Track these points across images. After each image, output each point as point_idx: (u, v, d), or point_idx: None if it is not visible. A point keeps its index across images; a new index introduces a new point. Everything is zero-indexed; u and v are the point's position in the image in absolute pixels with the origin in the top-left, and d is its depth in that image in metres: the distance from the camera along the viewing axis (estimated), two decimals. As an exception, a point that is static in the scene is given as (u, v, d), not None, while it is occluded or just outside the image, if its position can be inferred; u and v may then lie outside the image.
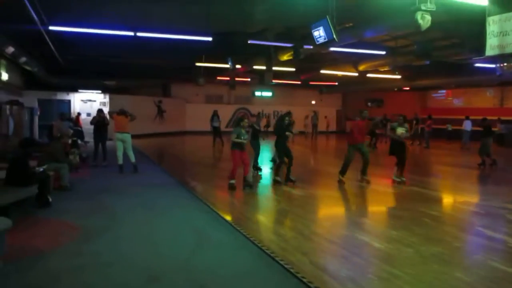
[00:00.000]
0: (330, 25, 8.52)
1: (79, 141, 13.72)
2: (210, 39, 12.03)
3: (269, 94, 31.57)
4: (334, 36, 8.60)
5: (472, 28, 9.90)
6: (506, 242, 5.82)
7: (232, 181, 8.92)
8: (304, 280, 4.18)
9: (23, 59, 14.38)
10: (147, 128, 23.67)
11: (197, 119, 27.26)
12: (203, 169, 12.79)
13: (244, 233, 5.75)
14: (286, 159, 9.75)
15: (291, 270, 4.42)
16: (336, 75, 22.00)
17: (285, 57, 15.07)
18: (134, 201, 7.77)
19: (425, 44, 13.81)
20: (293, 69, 20.16)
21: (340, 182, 9.92)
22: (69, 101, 21.88)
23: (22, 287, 4.10)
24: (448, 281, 4.34)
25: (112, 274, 4.42)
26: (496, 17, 6.61)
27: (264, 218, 7.30)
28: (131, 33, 11.38)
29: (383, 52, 16.13)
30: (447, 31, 12.52)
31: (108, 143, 12.55)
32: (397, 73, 22.28)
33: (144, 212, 6.99)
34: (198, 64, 18.86)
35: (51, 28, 10.70)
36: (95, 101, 22.12)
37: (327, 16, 8.54)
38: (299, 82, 26.91)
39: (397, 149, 10.05)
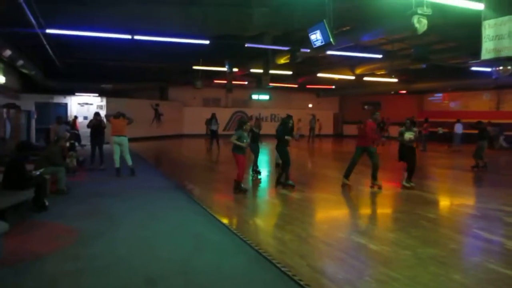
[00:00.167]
0: (327, 28, 8.55)
1: (76, 144, 13.71)
2: (207, 42, 12.06)
3: (266, 97, 31.62)
4: (331, 40, 8.62)
5: (468, 32, 9.96)
6: (503, 244, 5.83)
7: (242, 185, 8.96)
8: (302, 283, 4.18)
9: (20, 62, 14.38)
10: (144, 131, 23.66)
11: (194, 122, 27.28)
12: (200, 172, 12.79)
13: (241, 236, 5.75)
14: (280, 163, 9.77)
15: (289, 273, 4.43)
16: (333, 78, 22.06)
17: (282, 61, 15.11)
18: (131, 205, 7.76)
19: (421, 48, 13.89)
20: (290, 73, 20.23)
21: (344, 186, 9.78)
22: (66, 104, 21.84)
23: (19, 291, 4.09)
24: (445, 283, 4.35)
25: (109, 278, 4.41)
26: (491, 21, 6.63)
27: (262, 221, 7.30)
28: (129, 36, 11.40)
29: (380, 56, 16.20)
30: (444, 35, 12.62)
31: (105, 146, 12.53)
32: (393, 76, 22.38)
33: (141, 216, 6.98)
34: (195, 67, 18.90)
35: (48, 31, 10.72)
36: (92, 104, 22.09)
37: (324, 20, 8.56)
38: (296, 86, 26.97)
39: (407, 154, 9.82)
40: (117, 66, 20.09)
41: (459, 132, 20.28)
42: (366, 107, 32.20)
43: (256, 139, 10.95)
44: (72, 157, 11.54)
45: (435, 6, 7.70)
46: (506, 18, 6.42)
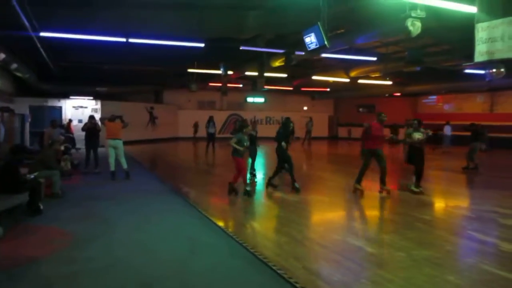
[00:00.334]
0: (322, 31, 8.58)
1: (69, 147, 13.65)
2: (202, 45, 12.07)
3: (261, 100, 31.65)
4: (326, 42, 8.66)
5: (461, 35, 10.04)
6: (497, 246, 5.86)
7: (248, 188, 8.94)
8: (297, 285, 4.19)
9: (14, 65, 14.32)
10: (139, 134, 23.62)
11: (189, 125, 27.22)
12: (195, 175, 12.77)
13: (237, 238, 5.75)
14: (279, 166, 9.75)
15: (284, 275, 4.43)
16: (328, 81, 22.13)
17: (277, 63, 15.15)
18: (126, 208, 7.74)
19: (415, 51, 13.96)
20: (285, 75, 20.27)
21: (356, 192, 9.39)
22: (61, 107, 21.76)
23: (14, 295, 4.07)
24: (440, 284, 4.37)
25: (105, 281, 4.40)
26: (484, 24, 6.68)
27: (257, 223, 7.30)
28: (123, 39, 11.38)
29: (374, 59, 16.28)
30: (437, 37, 12.72)
31: (100, 149, 12.49)
32: (388, 79, 22.47)
33: (136, 219, 6.96)
34: (190, 70, 18.90)
35: (42, 34, 10.68)
36: (86, 107, 22.02)
37: (319, 23, 8.60)
38: (291, 88, 27.04)
39: (415, 157, 9.41)
40: (112, 69, 20.06)
41: (448, 134, 20.58)
42: (360, 109, 32.34)
43: (253, 141, 10.95)
44: (66, 160, 11.50)
45: (428, 9, 7.76)
46: (499, 21, 6.47)
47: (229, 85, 24.19)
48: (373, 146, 9.27)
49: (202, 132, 25.81)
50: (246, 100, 31.29)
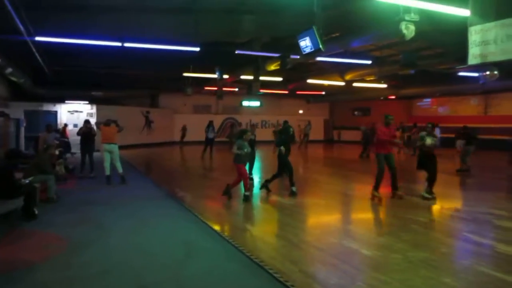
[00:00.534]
0: (317, 35, 8.61)
1: (63, 151, 13.57)
2: (197, 49, 12.07)
3: (257, 103, 31.67)
4: (321, 46, 8.69)
5: (455, 38, 10.09)
6: (493, 247, 5.89)
7: (247, 193, 8.89)
8: (294, 288, 4.20)
9: (9, 70, 14.26)
10: (135, 138, 23.57)
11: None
12: (191, 180, 12.74)
13: (232, 242, 5.75)
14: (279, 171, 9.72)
15: (280, 278, 4.43)
16: (323, 84, 22.18)
17: (272, 67, 15.16)
18: (122, 212, 7.72)
19: (410, 54, 14.03)
20: (281, 79, 20.30)
21: (374, 199, 8.96)
22: (56, 112, 21.69)
23: (9, 300, 4.05)
24: (436, 287, 4.39)
25: (101, 285, 4.39)
26: (477, 27, 6.74)
27: (253, 227, 7.30)
28: (119, 44, 11.37)
29: (369, 62, 16.33)
30: (431, 40, 12.77)
31: (95, 154, 12.46)
32: (383, 82, 22.56)
33: (132, 223, 6.94)
34: (185, 74, 18.88)
35: (37, 38, 10.66)
36: (82, 112, 21.95)
37: (314, 26, 8.64)
38: (286, 92, 27.07)
39: (428, 162, 9.06)
40: (108, 74, 20.01)
41: (437, 136, 20.66)
42: (356, 112, 32.45)
43: (252, 145, 10.92)
44: (61, 164, 11.46)
45: (422, 13, 7.82)
46: (491, 24, 6.53)
47: (224, 89, 24.17)
48: (384, 150, 9.03)
49: (190, 137, 25.94)
50: (241, 104, 31.30)
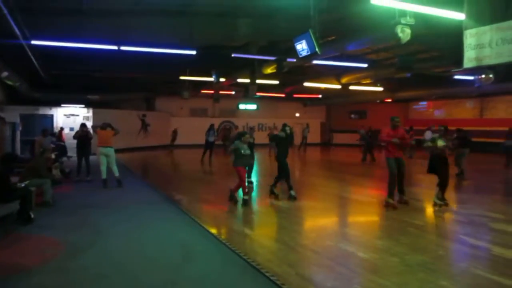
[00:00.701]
0: (313, 38, 8.65)
1: (58, 154, 13.52)
2: (194, 52, 12.08)
3: (253, 107, 31.68)
4: (317, 49, 8.72)
5: (450, 41, 10.15)
6: (489, 250, 5.91)
7: (246, 197, 8.81)
8: (291, 291, 4.19)
9: (5, 73, 14.21)
10: (131, 142, 23.51)
11: (182, 133, 27.18)
12: (188, 183, 12.72)
13: (229, 245, 5.74)
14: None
15: (277, 281, 4.43)
16: (320, 87, 22.23)
17: (269, 70, 15.19)
18: (118, 216, 7.69)
19: (406, 57, 14.09)
20: (277, 82, 20.32)
21: (389, 206, 8.52)
22: (52, 115, 21.60)
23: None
24: (433, 290, 4.39)
25: (96, 290, 4.37)
26: (473, 31, 6.79)
27: (250, 230, 7.28)
28: (115, 47, 11.36)
29: (365, 65, 16.39)
30: (427, 44, 12.82)
31: (92, 157, 12.42)
32: (379, 85, 22.63)
33: (129, 227, 6.92)
34: (182, 77, 18.88)
35: (33, 42, 10.63)
36: (78, 115, 21.88)
37: (310, 30, 8.67)
38: (283, 95, 27.11)
39: (439, 165, 8.59)
40: (104, 77, 19.99)
41: (428, 138, 20.72)
42: (352, 115, 32.52)
43: (251, 149, 10.86)
44: (57, 168, 11.42)
45: (418, 16, 7.85)
46: (486, 27, 6.58)
47: (221, 92, 24.22)
48: (395, 154, 8.64)
49: (187, 140, 25.86)
50: (238, 107, 31.30)
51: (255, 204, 9.26)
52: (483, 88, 17.42)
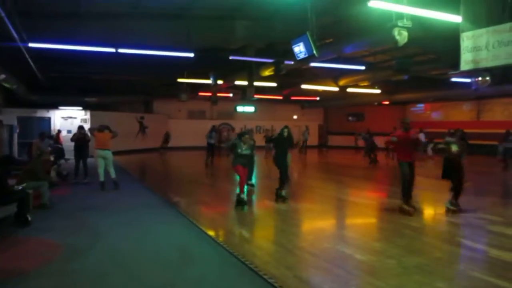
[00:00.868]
0: (310, 41, 8.67)
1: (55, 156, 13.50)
2: (192, 55, 12.10)
3: (251, 109, 31.71)
4: (314, 52, 8.75)
5: (447, 44, 10.19)
6: (486, 252, 5.92)
7: (242, 196, 8.74)
8: (288, 293, 4.19)
9: (2, 76, 14.19)
10: (129, 144, 23.47)
11: (179, 135, 27.16)
12: (186, 185, 12.71)
13: (227, 248, 5.74)
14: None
15: (275, 284, 4.43)
16: (317, 90, 22.26)
17: (266, 73, 15.20)
18: (116, 219, 7.68)
19: (403, 60, 14.13)
20: (275, 84, 20.34)
21: (404, 212, 8.12)
22: (50, 118, 21.56)
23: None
24: (430, 292, 4.40)
25: (94, 293, 4.37)
26: (469, 33, 6.83)
27: (247, 232, 7.29)
28: (113, 50, 11.37)
29: (363, 67, 16.42)
30: (424, 46, 12.88)
31: (89, 160, 12.41)
32: (376, 87, 22.69)
33: (126, 229, 6.91)
34: (180, 80, 18.88)
35: (31, 45, 10.62)
36: (75, 118, 21.84)
37: (307, 32, 8.70)
38: (281, 97, 27.13)
39: (453, 170, 8.28)
40: (101, 79, 19.99)
41: (422, 140, 20.87)
42: (350, 118, 32.56)
43: (252, 151, 10.80)
44: (54, 170, 11.40)
45: (415, 19, 7.89)
46: (483, 30, 6.62)
47: (219, 94, 24.21)
48: (407, 158, 8.27)
49: (184, 142, 25.72)
50: (236, 110, 31.32)
51: (253, 207, 9.26)
52: (480, 91, 17.50)
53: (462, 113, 26.18)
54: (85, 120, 21.43)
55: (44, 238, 6.33)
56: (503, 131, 18.04)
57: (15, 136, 19.10)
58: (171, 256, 5.56)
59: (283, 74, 14.38)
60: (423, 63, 15.30)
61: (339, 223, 8.29)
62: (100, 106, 23.16)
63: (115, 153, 11.57)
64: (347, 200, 10.24)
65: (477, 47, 6.71)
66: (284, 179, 9.43)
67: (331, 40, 11.80)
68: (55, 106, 21.69)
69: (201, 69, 17.02)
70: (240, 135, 9.12)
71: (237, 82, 18.37)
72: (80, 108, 22.38)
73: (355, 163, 19.72)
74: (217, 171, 16.34)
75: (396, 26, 7.85)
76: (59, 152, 14.42)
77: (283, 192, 9.42)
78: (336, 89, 20.92)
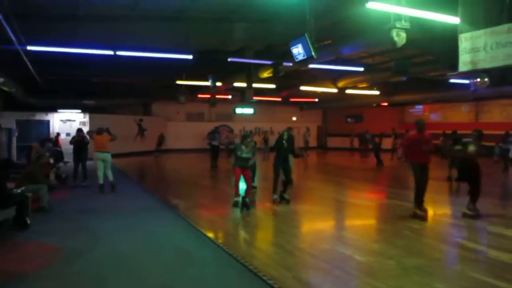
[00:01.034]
0: (309, 42, 8.69)
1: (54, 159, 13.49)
2: (190, 57, 12.10)
3: (250, 111, 31.71)
4: (313, 53, 8.76)
5: (445, 45, 10.20)
6: (485, 253, 5.92)
7: (236, 198, 8.70)
8: (288, 295, 4.19)
9: (1, 79, 14.20)
10: (128, 147, 23.45)
11: (178, 137, 27.14)
12: (185, 188, 12.70)
13: (226, 249, 5.74)
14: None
15: (274, 285, 4.43)
16: (316, 91, 22.29)
17: (265, 74, 15.23)
18: (115, 221, 7.67)
19: (401, 61, 14.16)
20: (274, 86, 20.36)
21: (417, 217, 7.80)
22: (48, 121, 21.55)
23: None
24: (429, 292, 4.40)
25: (93, 295, 4.36)
26: (467, 35, 6.84)
27: (247, 234, 7.29)
28: (111, 52, 11.37)
29: (361, 69, 16.45)
30: (422, 48, 12.89)
31: (88, 163, 12.39)
32: (375, 89, 22.72)
33: (125, 232, 6.90)
34: (178, 82, 18.89)
35: (29, 48, 10.61)
36: (74, 120, 21.83)
37: (306, 34, 8.71)
38: (279, 99, 27.14)
39: (471, 172, 7.91)
40: (100, 82, 19.99)
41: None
42: (349, 119, 32.59)
43: (253, 153, 10.76)
44: (53, 173, 11.39)
45: (413, 20, 7.90)
46: (481, 31, 6.63)
47: (217, 96, 24.22)
48: (421, 159, 7.89)
49: (183, 144, 25.58)
50: (235, 111, 31.32)
51: (252, 208, 9.25)
52: (479, 92, 17.52)
53: (460, 114, 26.21)
54: (84, 123, 21.43)
55: (44, 241, 6.32)
56: (501, 132, 18.08)
57: (14, 139, 19.08)
58: (171, 258, 5.56)
59: (282, 75, 14.39)
60: (422, 64, 15.32)
61: (338, 224, 8.29)
62: (99, 109, 23.16)
63: (114, 156, 11.57)
64: (346, 201, 10.24)
65: (475, 48, 6.72)
66: (286, 182, 9.42)
67: (329, 41, 11.82)
68: (54, 109, 21.67)
69: (200, 71, 17.05)
70: (243, 138, 9.08)
71: (236, 84, 18.40)
72: (79, 111, 22.36)
73: (354, 164, 19.73)
74: (217, 173, 16.32)
75: (394, 27, 7.85)
76: (58, 155, 14.41)
77: (286, 195, 9.41)
78: (334, 90, 20.95)
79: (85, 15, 9.97)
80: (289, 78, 19.01)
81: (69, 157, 14.11)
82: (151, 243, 6.32)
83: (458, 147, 8.36)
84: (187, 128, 28.43)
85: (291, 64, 12.55)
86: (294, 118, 32.86)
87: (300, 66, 14.03)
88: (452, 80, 17.91)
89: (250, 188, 8.97)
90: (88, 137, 12.17)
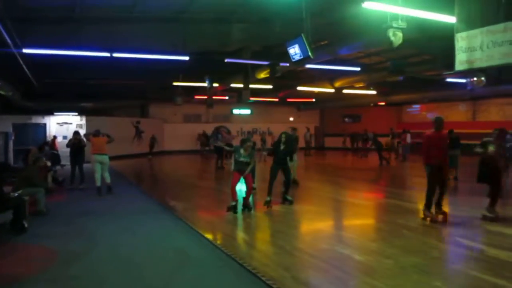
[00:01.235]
0: (306, 42, 8.69)
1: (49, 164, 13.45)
2: (187, 58, 12.09)
3: (247, 112, 31.71)
4: (310, 54, 8.76)
5: (442, 45, 10.23)
6: (483, 251, 5.92)
7: (233, 203, 8.55)
8: (287, 295, 4.18)
9: (-3, 83, 14.17)
10: (125, 149, 23.40)
11: (175, 139, 27.11)
12: (182, 189, 12.67)
13: (225, 250, 5.72)
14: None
15: (273, 285, 4.42)
16: (313, 91, 22.32)
17: (262, 75, 15.23)
18: (112, 223, 7.66)
19: (398, 61, 14.20)
20: (271, 87, 20.38)
21: (426, 219, 7.60)
22: (45, 124, 21.49)
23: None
24: (428, 291, 4.40)
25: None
26: (464, 34, 6.85)
27: (245, 235, 7.29)
28: (108, 54, 11.34)
29: (358, 69, 16.48)
30: (419, 47, 12.94)
31: (85, 165, 12.36)
32: (372, 88, 22.76)
33: (123, 234, 6.88)
34: (175, 83, 18.87)
35: (25, 51, 10.58)
36: (71, 123, 21.77)
37: (302, 34, 8.71)
38: (277, 99, 27.16)
39: (490, 174, 7.55)
40: (97, 84, 19.97)
41: (408, 141, 21.18)
42: (346, 119, 32.65)
43: (252, 155, 10.70)
44: (50, 176, 11.37)
45: (410, 20, 7.91)
46: (477, 30, 6.64)
47: (214, 97, 24.22)
48: (435, 160, 7.48)
49: (175, 146, 25.49)
50: (232, 112, 31.32)
51: (251, 209, 9.23)
52: (475, 91, 17.59)
53: (458, 113, 26.29)
54: (80, 126, 21.37)
55: (41, 244, 6.30)
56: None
57: (11, 143, 19.02)
58: (170, 259, 5.54)
59: (279, 76, 14.41)
60: (418, 64, 15.37)
61: (337, 224, 8.29)
62: (95, 111, 23.12)
63: (111, 158, 11.53)
64: (345, 201, 10.23)
65: (472, 48, 6.73)
66: (287, 183, 9.40)
67: (326, 42, 11.84)
68: (50, 112, 21.63)
69: (197, 72, 17.04)
70: (242, 142, 9.02)
71: (233, 85, 18.41)
72: (76, 113, 22.32)
73: (352, 164, 19.74)
74: (219, 174, 16.30)
75: (391, 27, 7.86)
76: (55, 158, 14.37)
77: (289, 196, 9.40)
78: (332, 90, 20.97)
79: (81, 17, 9.95)
80: (286, 79, 19.04)
81: (66, 160, 14.08)
82: (149, 245, 6.30)
83: (478, 148, 7.95)
84: (184, 129, 28.42)
85: (288, 64, 12.58)
86: (291, 119, 32.88)
87: (297, 66, 14.07)
88: (448, 80, 17.95)
89: (251, 190, 8.94)
90: (84, 139, 12.13)
